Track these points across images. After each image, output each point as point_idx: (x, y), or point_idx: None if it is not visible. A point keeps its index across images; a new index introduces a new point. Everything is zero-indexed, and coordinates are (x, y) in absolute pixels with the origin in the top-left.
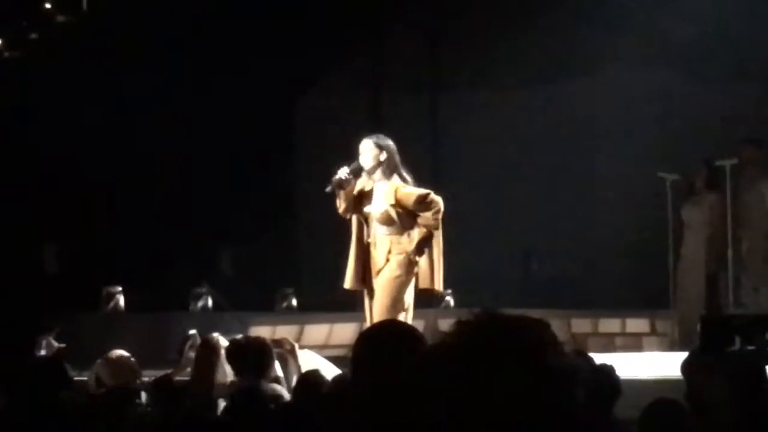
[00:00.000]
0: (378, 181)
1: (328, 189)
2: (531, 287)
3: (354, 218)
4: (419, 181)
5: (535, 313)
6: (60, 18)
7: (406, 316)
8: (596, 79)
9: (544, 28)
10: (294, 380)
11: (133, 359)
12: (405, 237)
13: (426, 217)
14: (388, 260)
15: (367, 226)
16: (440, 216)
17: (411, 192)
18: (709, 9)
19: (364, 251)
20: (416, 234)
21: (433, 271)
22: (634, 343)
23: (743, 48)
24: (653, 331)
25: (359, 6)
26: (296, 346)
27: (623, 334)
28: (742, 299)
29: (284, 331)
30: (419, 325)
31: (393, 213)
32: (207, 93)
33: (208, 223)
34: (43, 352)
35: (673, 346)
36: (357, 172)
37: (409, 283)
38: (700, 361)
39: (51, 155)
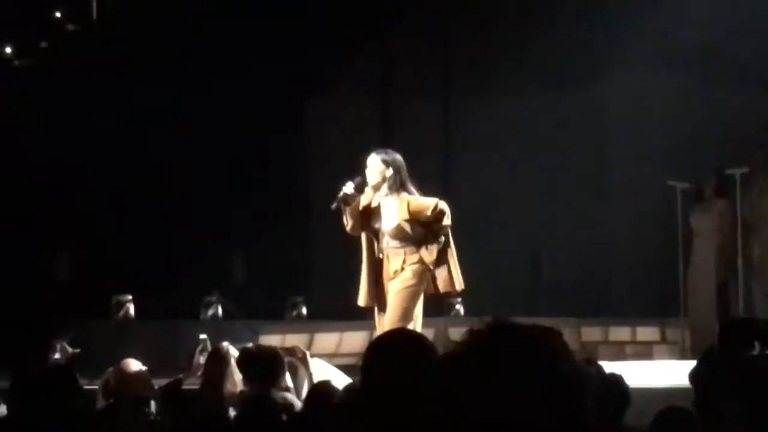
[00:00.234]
0: (385, 197)
1: (334, 206)
2: (540, 295)
3: (363, 235)
4: (429, 187)
5: (544, 322)
6: (70, 26)
7: (416, 325)
8: (606, 85)
9: (554, 32)
10: (305, 388)
11: (145, 368)
12: (419, 248)
13: (438, 226)
14: (402, 269)
15: (378, 241)
16: (450, 220)
17: (423, 204)
18: (720, 14)
19: (377, 267)
20: (433, 245)
21: (451, 273)
22: (644, 351)
23: (755, 54)
24: (663, 339)
25: (368, 9)
26: (308, 354)
27: (633, 342)
28: (754, 306)
29: (294, 340)
30: (429, 334)
31: (407, 227)
32: (217, 100)
33: (218, 231)
34: (57, 356)
35: (683, 354)
36: (361, 188)
37: (421, 292)
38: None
39: (61, 163)
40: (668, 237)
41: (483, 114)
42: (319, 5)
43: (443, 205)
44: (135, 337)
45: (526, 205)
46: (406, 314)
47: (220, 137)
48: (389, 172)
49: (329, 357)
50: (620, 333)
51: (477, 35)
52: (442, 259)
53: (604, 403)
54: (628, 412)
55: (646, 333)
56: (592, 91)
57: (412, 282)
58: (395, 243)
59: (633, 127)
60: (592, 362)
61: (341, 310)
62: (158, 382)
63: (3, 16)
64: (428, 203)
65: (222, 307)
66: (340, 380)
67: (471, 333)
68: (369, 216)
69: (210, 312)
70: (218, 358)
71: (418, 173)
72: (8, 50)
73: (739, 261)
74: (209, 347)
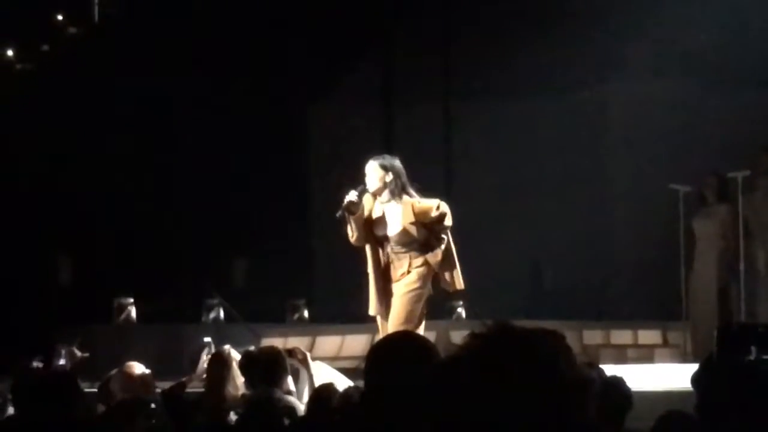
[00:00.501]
0: (387, 203)
1: (338, 214)
2: (542, 298)
3: (368, 246)
4: (430, 192)
5: (546, 325)
6: (71, 29)
7: (419, 327)
8: (610, 89)
9: (557, 36)
10: (306, 389)
11: (148, 371)
12: (424, 251)
13: (441, 227)
14: (408, 272)
15: (382, 248)
16: (451, 221)
17: (426, 205)
18: (724, 18)
19: (383, 275)
20: (437, 247)
21: (453, 273)
22: (646, 354)
23: (759, 57)
24: (665, 343)
25: (370, 16)
26: (308, 355)
27: (635, 345)
28: (759, 310)
29: (296, 343)
30: (431, 337)
31: (412, 230)
32: (219, 105)
33: (220, 235)
34: (62, 362)
35: (685, 358)
36: (363, 195)
37: (425, 295)
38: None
39: (62, 166)
40: (670, 241)
41: (484, 119)
42: (320, 12)
43: (444, 205)
44: (136, 341)
45: (527, 209)
46: (410, 317)
47: (222, 141)
48: (389, 176)
49: (331, 360)
50: (622, 336)
51: (478, 41)
52: (445, 260)
53: (606, 407)
54: (630, 415)
55: (648, 336)
56: (593, 95)
57: (416, 285)
58: (400, 248)
59: (634, 131)
60: (593, 366)
61: (343, 314)
62: (160, 386)
63: (4, 19)
64: (431, 204)
65: (223, 311)
66: (342, 384)
67: (473, 336)
68: (372, 225)
69: (211, 315)
70: (220, 362)
71: (420, 179)
72: (10, 53)
73: (741, 265)
74: (213, 350)
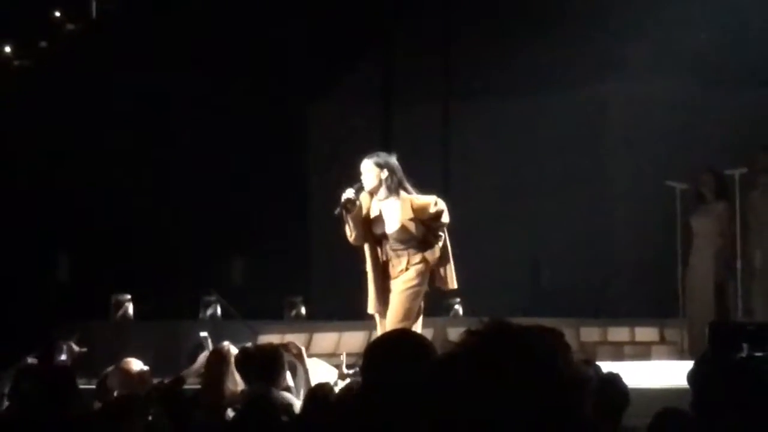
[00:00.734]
0: (384, 200)
1: (336, 212)
2: (540, 296)
3: (366, 245)
4: (429, 191)
5: (544, 322)
6: (69, 26)
7: (416, 324)
8: (610, 88)
9: (556, 36)
10: (302, 384)
11: (146, 368)
12: (422, 248)
13: (438, 224)
14: (407, 269)
15: (380, 246)
16: (448, 218)
17: (424, 201)
18: (723, 17)
19: (382, 273)
20: (435, 244)
21: (446, 272)
22: (643, 351)
23: (758, 56)
24: (662, 340)
25: (369, 15)
26: (303, 350)
27: (632, 342)
28: (755, 308)
29: (293, 340)
30: (428, 334)
31: (411, 226)
32: (219, 101)
33: (218, 232)
34: (63, 357)
35: (682, 355)
36: (360, 193)
37: (423, 292)
38: (706, 369)
39: (60, 163)
40: (668, 238)
41: (484, 119)
42: (320, 12)
43: (441, 202)
44: (133, 337)
45: (525, 207)
46: (408, 314)
47: (221, 139)
48: (384, 173)
49: (328, 357)
50: (619, 333)
51: (478, 41)
52: (441, 258)
53: (603, 404)
54: (627, 412)
55: (645, 333)
56: (593, 95)
57: (415, 282)
58: (398, 245)
59: (634, 131)
60: (590, 363)
61: (340, 311)
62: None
63: (2, 16)
64: (428, 200)
65: (221, 307)
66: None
67: (469, 333)
68: (370, 223)
69: (209, 312)
70: (219, 358)
71: (419, 177)
72: (7, 50)
73: (738, 263)
74: (210, 345)
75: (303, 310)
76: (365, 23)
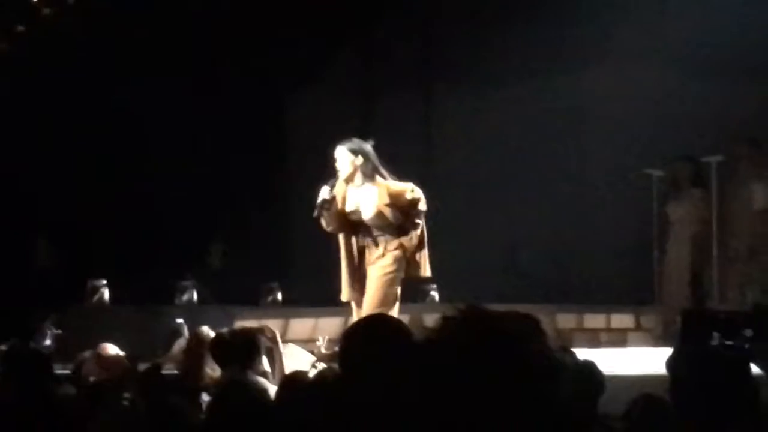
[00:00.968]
0: (360, 186)
1: (315, 214)
2: (517, 282)
3: (341, 233)
4: (410, 178)
5: (520, 308)
6: (46, 10)
7: (393, 310)
8: (590, 75)
9: (538, 23)
10: (277, 368)
11: (122, 353)
12: (399, 234)
13: (416, 211)
14: (384, 255)
15: (356, 234)
16: (425, 206)
17: (401, 188)
18: (702, 7)
19: (357, 261)
20: (412, 231)
21: (422, 259)
22: (618, 338)
23: (741, 45)
24: (638, 327)
25: (349, 2)
26: (277, 333)
27: (608, 329)
28: (730, 296)
29: (269, 325)
30: (404, 320)
31: (387, 212)
32: (198, 90)
33: (195, 217)
34: (48, 342)
35: (657, 342)
36: (335, 188)
37: (400, 278)
38: (684, 356)
39: (37, 149)
40: (643, 225)
41: (464, 106)
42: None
43: (418, 190)
44: (109, 322)
45: (504, 193)
46: (385, 300)
47: (201, 125)
48: (359, 159)
49: (304, 343)
50: (595, 320)
51: (459, 27)
52: (418, 245)
53: (579, 391)
54: (602, 399)
55: (621, 320)
56: (572, 82)
57: (391, 268)
58: (375, 231)
59: (614, 118)
60: (566, 349)
61: (316, 296)
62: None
63: None
64: (405, 186)
65: (197, 292)
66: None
67: (444, 319)
68: (345, 212)
69: (185, 297)
70: (198, 343)
71: (400, 165)
72: None
73: (714, 250)
74: (186, 332)
75: (279, 296)
76: (345, 12)
